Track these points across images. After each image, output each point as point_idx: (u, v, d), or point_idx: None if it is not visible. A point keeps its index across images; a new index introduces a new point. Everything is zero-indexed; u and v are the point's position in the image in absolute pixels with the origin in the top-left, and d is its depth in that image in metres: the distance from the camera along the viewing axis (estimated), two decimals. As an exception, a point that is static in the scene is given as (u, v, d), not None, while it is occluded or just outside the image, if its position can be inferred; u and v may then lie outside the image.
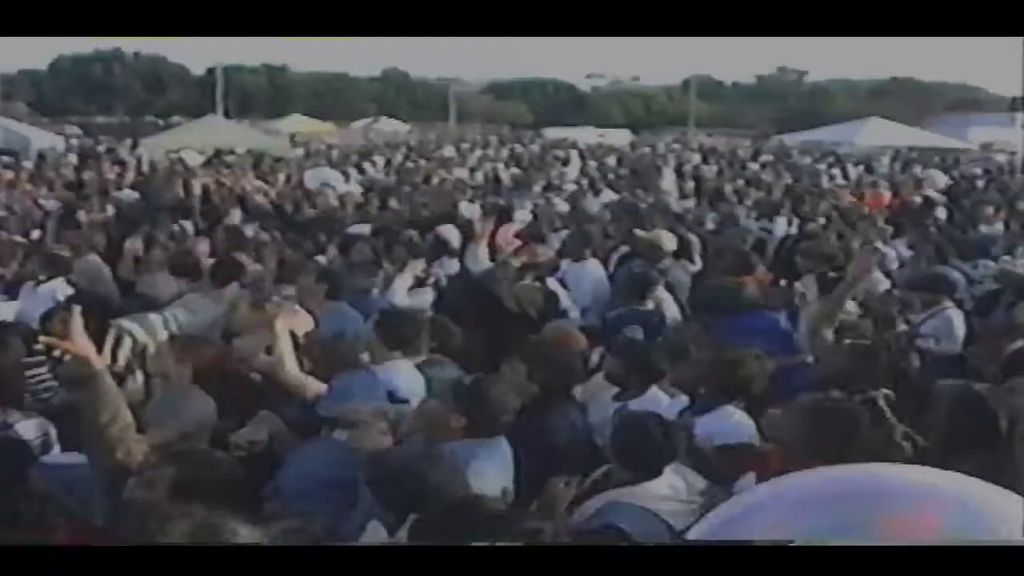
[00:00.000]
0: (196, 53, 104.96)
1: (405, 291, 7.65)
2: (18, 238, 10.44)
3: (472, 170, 25.80)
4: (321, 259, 9.38)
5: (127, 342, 4.73)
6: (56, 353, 5.28)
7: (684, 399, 5.45)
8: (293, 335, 5.39)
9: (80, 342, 3.79)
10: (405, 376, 5.46)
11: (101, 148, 32.89)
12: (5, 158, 25.16)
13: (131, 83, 74.08)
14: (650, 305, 7.66)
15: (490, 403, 4.37)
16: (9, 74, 76.88)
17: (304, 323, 6.44)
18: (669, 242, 9.49)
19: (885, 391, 4.45)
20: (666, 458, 4.22)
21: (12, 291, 8.31)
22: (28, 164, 23.63)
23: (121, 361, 4.68)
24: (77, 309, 3.88)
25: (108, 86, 72.60)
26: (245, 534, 2.80)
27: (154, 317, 6.66)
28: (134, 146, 32.32)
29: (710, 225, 12.88)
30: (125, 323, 6.13)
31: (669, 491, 4.17)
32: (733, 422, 4.97)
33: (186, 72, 77.26)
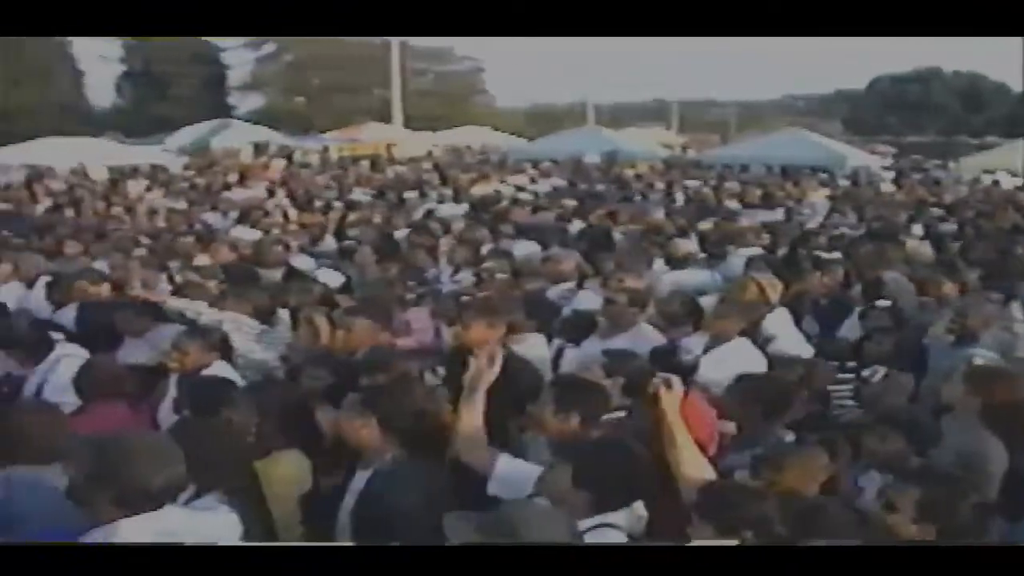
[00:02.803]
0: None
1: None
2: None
3: None
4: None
5: None
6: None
7: None
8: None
9: None
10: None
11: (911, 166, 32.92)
12: (821, 175, 26.23)
13: (948, 101, 73.03)
14: None
15: None
16: (826, 94, 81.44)
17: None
18: None
19: None
20: None
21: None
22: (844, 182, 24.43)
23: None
24: None
25: (923, 104, 72.43)
26: None
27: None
28: (943, 166, 31.83)
29: None
30: None
31: None
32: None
33: (1007, 89, 73.99)
